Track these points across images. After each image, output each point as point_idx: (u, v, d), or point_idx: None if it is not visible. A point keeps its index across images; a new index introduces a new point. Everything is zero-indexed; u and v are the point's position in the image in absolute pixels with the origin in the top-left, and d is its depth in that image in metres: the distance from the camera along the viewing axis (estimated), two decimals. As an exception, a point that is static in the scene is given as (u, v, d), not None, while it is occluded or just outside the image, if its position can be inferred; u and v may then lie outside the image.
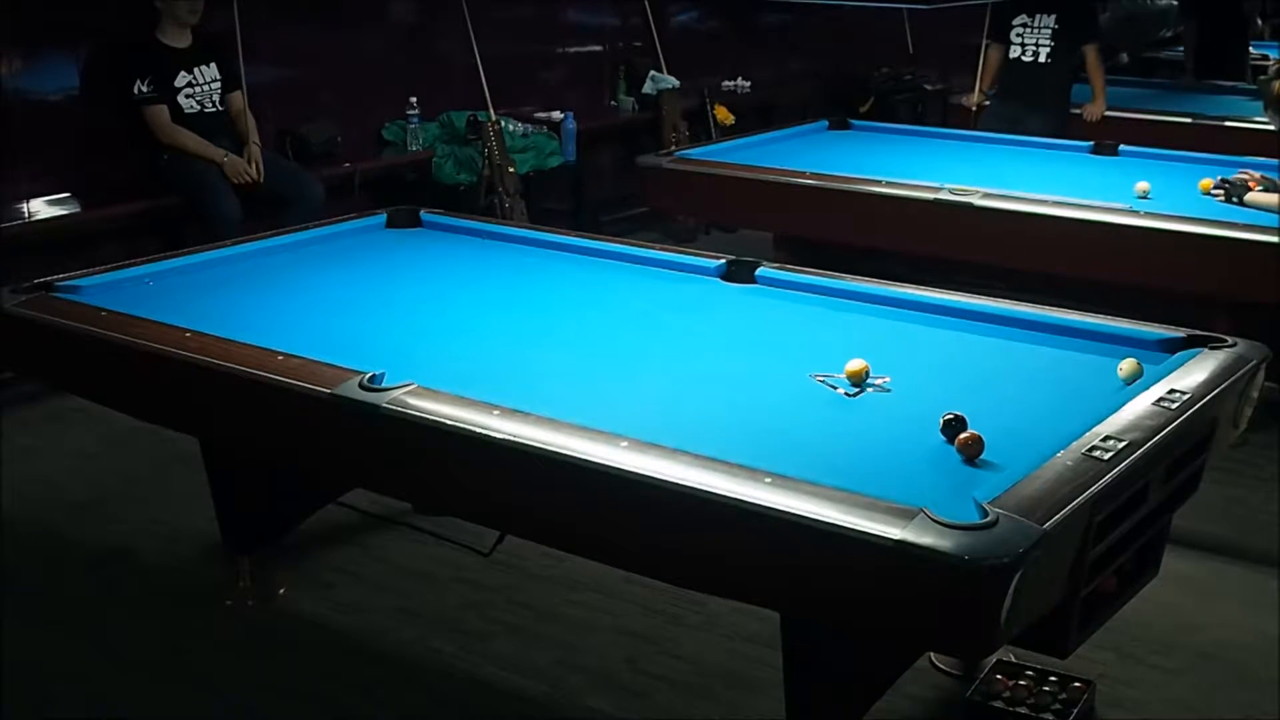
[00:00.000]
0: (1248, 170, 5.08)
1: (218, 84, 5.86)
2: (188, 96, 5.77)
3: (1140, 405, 2.77)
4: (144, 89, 5.68)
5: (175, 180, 5.74)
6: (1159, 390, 2.88)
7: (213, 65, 5.84)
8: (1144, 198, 5.06)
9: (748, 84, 8.83)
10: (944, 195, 5.06)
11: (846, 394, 3.00)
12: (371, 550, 4.11)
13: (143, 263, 4.00)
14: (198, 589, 3.87)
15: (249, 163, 5.78)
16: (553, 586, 3.86)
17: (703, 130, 8.14)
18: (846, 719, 2.86)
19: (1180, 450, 2.77)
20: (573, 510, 2.69)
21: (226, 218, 5.55)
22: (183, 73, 5.75)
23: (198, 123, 5.77)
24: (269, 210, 5.75)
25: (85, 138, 5.83)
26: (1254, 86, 8.19)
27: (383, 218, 4.57)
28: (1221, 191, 5.04)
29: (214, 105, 5.85)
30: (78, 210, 5.70)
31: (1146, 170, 5.45)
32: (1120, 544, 2.65)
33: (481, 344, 3.39)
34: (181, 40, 5.77)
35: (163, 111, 5.71)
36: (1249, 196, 4.91)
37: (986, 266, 5.01)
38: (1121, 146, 6.09)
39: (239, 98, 5.94)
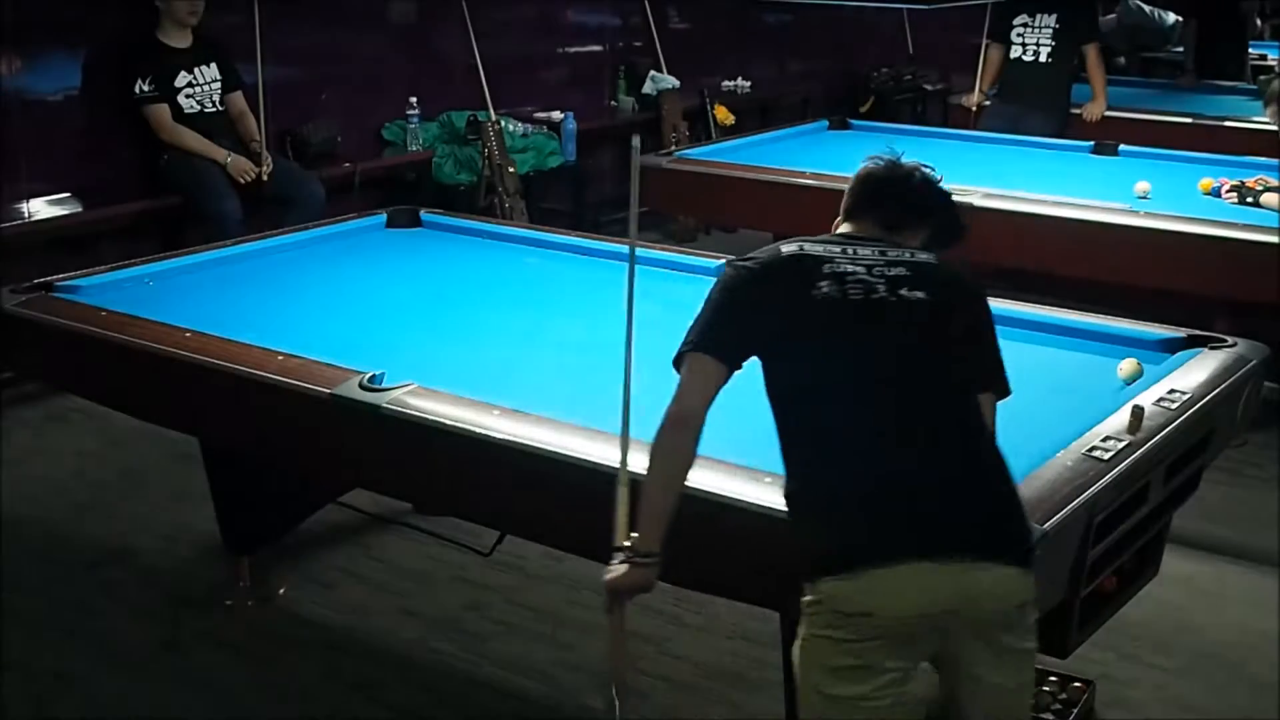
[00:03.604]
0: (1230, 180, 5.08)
1: (218, 84, 5.85)
2: (188, 96, 5.76)
3: (1140, 405, 2.76)
4: (145, 88, 5.67)
5: (175, 180, 5.73)
6: (1159, 390, 2.88)
7: (213, 65, 5.83)
8: (1144, 198, 5.06)
9: (748, 84, 8.82)
10: (944, 195, 5.05)
11: (846, 394, 3.00)
12: (371, 550, 4.10)
13: (143, 263, 4.00)
14: (198, 589, 3.87)
15: (261, 162, 5.78)
16: (553, 586, 3.86)
17: (703, 130, 8.13)
18: (846, 719, 2.85)
19: (1180, 450, 2.77)
20: (572, 510, 2.68)
21: (227, 217, 5.54)
22: (183, 73, 5.74)
23: (198, 123, 5.77)
24: (269, 210, 5.74)
25: (85, 138, 5.82)
26: (1254, 87, 8.19)
27: (383, 218, 4.57)
28: (1235, 195, 5.02)
29: (214, 105, 5.84)
30: (78, 210, 5.70)
31: (1146, 170, 5.45)
32: (1120, 544, 2.65)
33: (481, 344, 3.39)
34: (182, 40, 5.76)
35: (164, 111, 5.70)
36: (1264, 198, 4.90)
37: (987, 266, 5.01)
38: (1121, 146, 6.09)
39: (239, 98, 5.93)
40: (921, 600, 2.11)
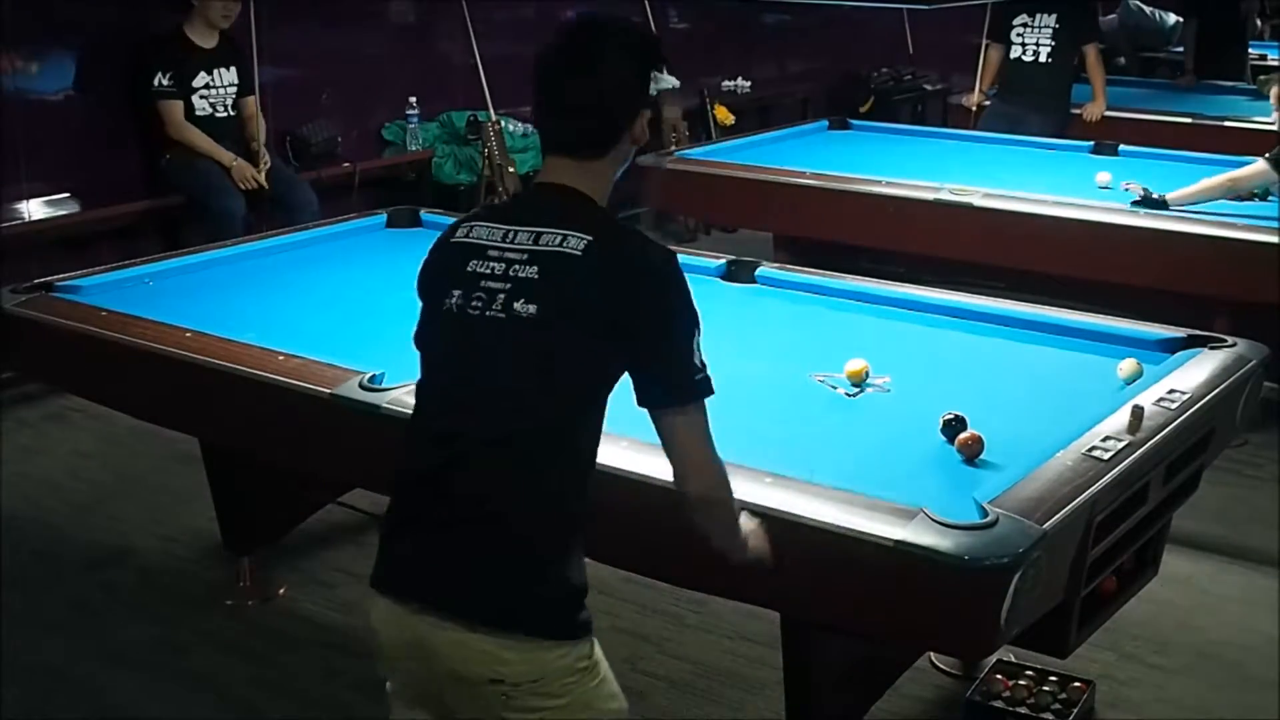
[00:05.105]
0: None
1: (234, 88, 5.81)
2: (202, 98, 5.73)
3: (1140, 405, 2.76)
4: (164, 82, 5.64)
5: (178, 179, 5.71)
6: (1159, 390, 2.88)
7: (232, 69, 5.80)
8: (1105, 188, 5.08)
9: (748, 84, 8.82)
10: (944, 195, 5.06)
11: (846, 394, 3.01)
12: (371, 550, 4.05)
13: (143, 263, 4.01)
14: (198, 589, 3.87)
15: (257, 163, 5.76)
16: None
17: (703, 130, 8.13)
18: (846, 719, 2.86)
19: (1180, 450, 2.77)
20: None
21: (232, 215, 5.53)
22: (202, 73, 5.71)
23: (207, 125, 5.73)
24: (268, 211, 5.74)
25: (85, 137, 5.82)
26: (1254, 87, 8.19)
27: (383, 218, 4.57)
28: (1141, 194, 4.96)
29: (225, 110, 5.80)
30: (78, 210, 5.70)
31: (1147, 170, 5.45)
32: (1120, 544, 2.65)
33: (481, 344, 3.39)
34: (208, 40, 5.73)
35: (178, 108, 5.67)
36: (1172, 196, 4.87)
37: (986, 266, 5.01)
38: (1121, 146, 6.09)
39: (251, 102, 5.89)
40: (388, 639, 2.10)
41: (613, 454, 2.52)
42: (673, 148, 6.71)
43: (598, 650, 2.10)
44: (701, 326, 2.04)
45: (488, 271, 2.06)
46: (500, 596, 2.01)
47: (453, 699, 2.08)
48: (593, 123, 2.09)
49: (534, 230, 2.05)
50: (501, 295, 2.03)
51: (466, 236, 2.12)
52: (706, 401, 2.06)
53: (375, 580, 2.12)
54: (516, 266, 2.04)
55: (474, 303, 2.06)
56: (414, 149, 6.87)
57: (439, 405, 2.12)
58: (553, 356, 2.01)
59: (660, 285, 2.01)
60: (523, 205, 2.16)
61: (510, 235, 2.07)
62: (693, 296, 2.05)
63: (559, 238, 2.03)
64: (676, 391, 2.03)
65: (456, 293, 2.08)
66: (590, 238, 2.02)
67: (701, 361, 2.03)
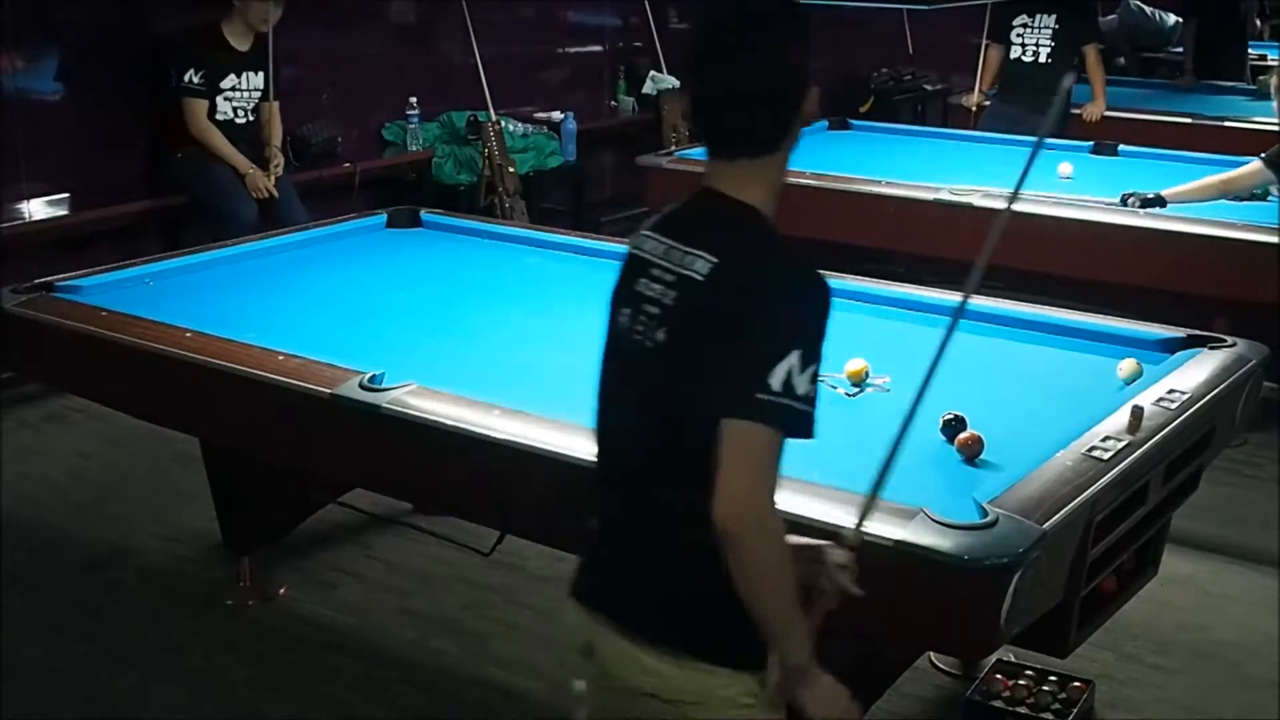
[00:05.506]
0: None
1: (258, 93, 5.77)
2: (227, 99, 5.68)
3: (1140, 405, 2.77)
4: (194, 80, 5.58)
5: (187, 178, 5.67)
6: (1159, 390, 2.88)
7: (260, 75, 5.75)
8: (1067, 179, 5.12)
9: (748, 84, 8.82)
10: (944, 195, 5.07)
11: (846, 394, 3.01)
12: (371, 550, 4.11)
13: (143, 263, 4.01)
14: (198, 589, 3.87)
15: (268, 167, 5.72)
16: (553, 586, 3.85)
17: (703, 130, 8.12)
18: (846, 719, 2.85)
19: (1180, 450, 2.78)
20: (573, 510, 2.68)
21: (242, 220, 5.45)
22: (231, 75, 5.67)
23: (226, 130, 5.69)
24: (268, 211, 5.73)
25: (85, 138, 5.81)
26: (1254, 87, 8.19)
27: (383, 218, 4.57)
28: (1135, 199, 4.95)
29: (245, 116, 5.76)
30: (78, 210, 5.69)
31: (1147, 170, 5.45)
32: (1120, 544, 2.65)
33: (481, 344, 3.39)
34: (243, 43, 5.69)
35: (203, 106, 5.62)
36: (1168, 193, 4.86)
37: (987, 266, 5.01)
38: (1121, 146, 6.09)
39: (269, 107, 5.86)
40: (572, 641, 2.12)
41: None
42: (673, 148, 6.71)
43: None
44: (814, 361, 1.84)
45: (649, 294, 1.97)
46: (662, 617, 2.01)
47: (618, 708, 2.09)
48: (762, 117, 1.94)
49: (684, 250, 1.94)
50: (654, 322, 1.96)
51: (640, 249, 2.02)
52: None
53: (570, 586, 2.14)
54: (668, 292, 1.94)
55: (637, 328, 1.99)
56: (414, 149, 6.87)
57: (605, 420, 2.10)
58: (678, 388, 1.93)
59: (763, 301, 1.86)
60: (684, 216, 2.04)
61: (668, 253, 1.96)
62: (818, 332, 1.85)
63: (694, 260, 1.91)
64: (734, 400, 1.82)
65: (626, 311, 2.02)
66: (716, 261, 1.89)
67: (785, 388, 1.80)
